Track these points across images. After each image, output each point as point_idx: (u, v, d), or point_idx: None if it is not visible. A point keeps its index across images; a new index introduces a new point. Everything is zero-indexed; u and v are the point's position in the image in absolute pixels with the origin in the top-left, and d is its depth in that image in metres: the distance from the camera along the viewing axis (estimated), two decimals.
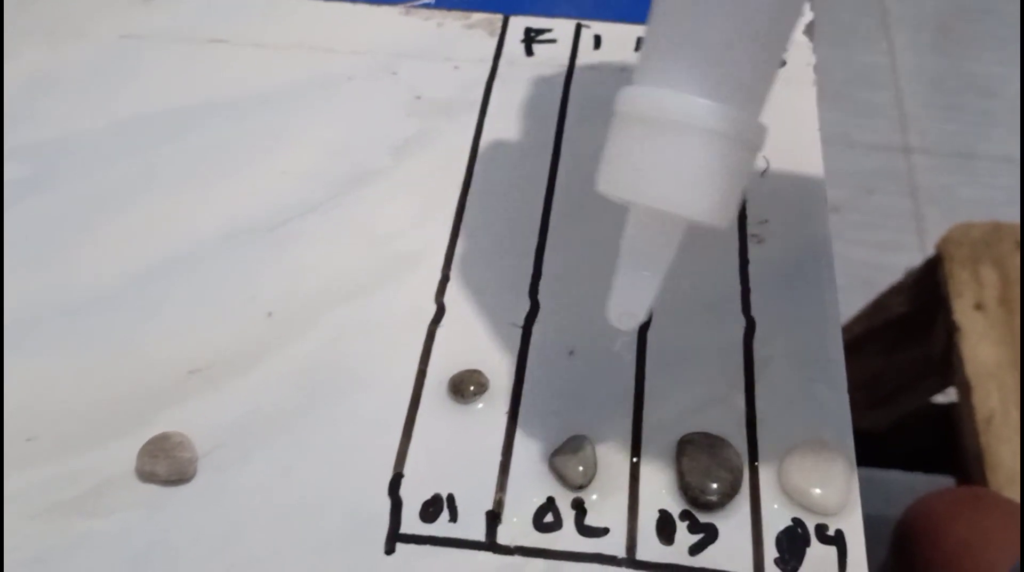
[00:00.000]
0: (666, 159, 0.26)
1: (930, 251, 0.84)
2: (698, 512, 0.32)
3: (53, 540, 0.32)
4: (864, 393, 0.96)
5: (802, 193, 0.41)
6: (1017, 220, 0.83)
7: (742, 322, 0.37)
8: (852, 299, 0.35)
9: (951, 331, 0.77)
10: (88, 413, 0.35)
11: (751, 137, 0.26)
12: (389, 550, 0.31)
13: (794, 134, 0.43)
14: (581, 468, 0.33)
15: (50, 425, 0.35)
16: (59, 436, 0.34)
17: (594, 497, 0.32)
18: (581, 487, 0.33)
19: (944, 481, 0.85)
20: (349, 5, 0.50)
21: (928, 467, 0.92)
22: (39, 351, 0.37)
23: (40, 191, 0.42)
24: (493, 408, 0.35)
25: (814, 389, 0.35)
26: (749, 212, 0.40)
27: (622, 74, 0.46)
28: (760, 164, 0.42)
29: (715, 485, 0.32)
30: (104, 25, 0.49)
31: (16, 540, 0.32)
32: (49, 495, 0.33)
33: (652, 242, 0.28)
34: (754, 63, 0.26)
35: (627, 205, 0.28)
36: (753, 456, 0.33)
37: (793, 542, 0.31)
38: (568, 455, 0.33)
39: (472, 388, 0.35)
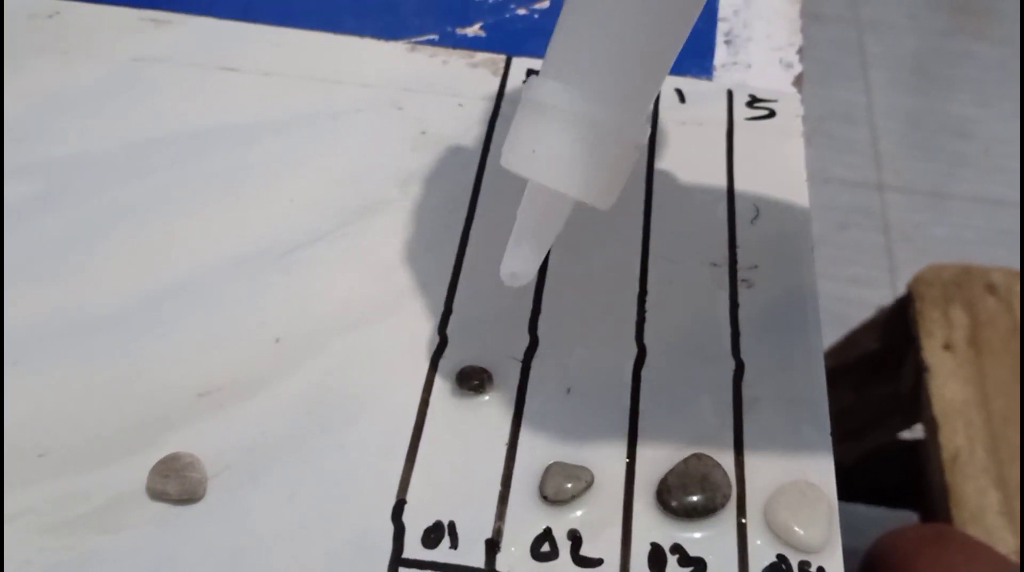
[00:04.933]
0: (554, 143, 0.31)
1: (901, 287, 0.86)
2: (680, 520, 0.34)
3: (63, 556, 0.33)
4: (833, 427, 0.98)
5: (790, 240, 0.43)
6: (988, 262, 0.86)
7: (732, 364, 0.39)
8: (823, 333, 0.36)
9: (920, 369, 0.79)
10: (99, 431, 0.36)
11: (631, 132, 0.31)
12: None
13: (783, 183, 0.45)
14: (569, 484, 0.34)
15: (61, 441, 0.36)
16: (70, 453, 0.35)
17: (588, 528, 0.34)
18: (569, 499, 0.34)
19: (908, 516, 0.88)
20: (357, 39, 0.51)
21: (893, 502, 0.94)
22: (50, 368, 0.38)
23: (51, 209, 0.43)
24: (494, 438, 0.36)
25: (800, 430, 0.37)
26: (740, 257, 0.42)
27: None
28: (750, 212, 0.44)
29: (697, 492, 0.34)
30: (116, 47, 0.50)
31: (26, 555, 0.33)
32: (60, 511, 0.34)
33: (542, 214, 0.33)
34: (634, 73, 0.31)
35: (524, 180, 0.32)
36: (740, 493, 0.35)
37: None
38: (555, 477, 0.35)
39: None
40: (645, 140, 0.32)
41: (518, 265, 0.33)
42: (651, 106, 0.31)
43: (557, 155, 0.31)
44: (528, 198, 0.33)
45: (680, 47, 0.31)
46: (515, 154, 0.32)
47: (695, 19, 0.31)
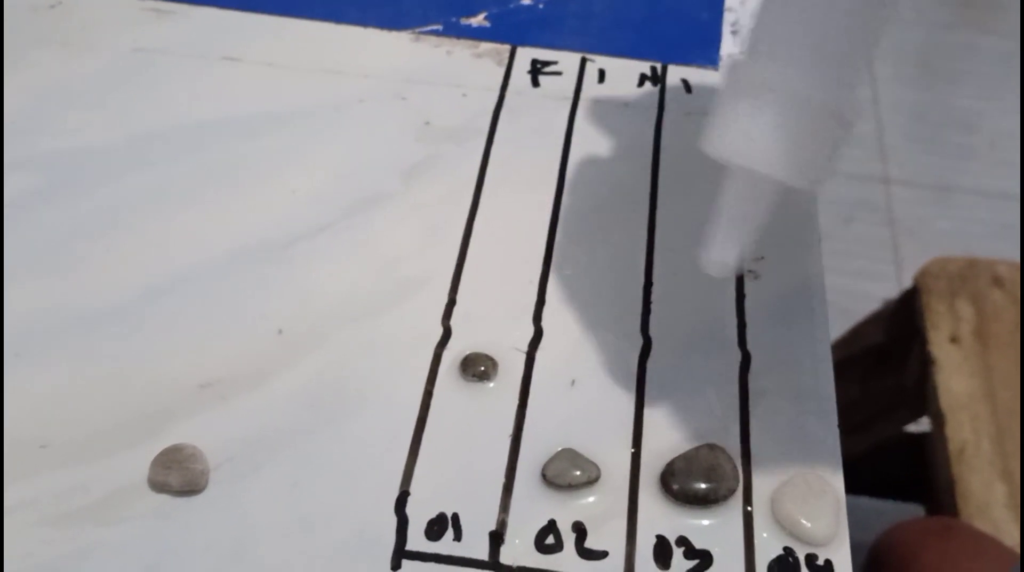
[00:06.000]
0: (773, 129, 0.29)
1: (906, 281, 0.86)
2: (684, 508, 0.34)
3: (64, 547, 0.33)
4: (839, 420, 0.98)
5: (797, 232, 0.43)
6: (992, 255, 0.85)
7: (738, 355, 0.38)
8: (830, 326, 0.37)
9: (926, 362, 0.79)
10: (101, 423, 0.36)
11: (845, 112, 0.30)
12: (395, 566, 0.32)
13: None
14: (576, 472, 0.34)
15: (63, 433, 0.35)
16: (72, 444, 0.35)
17: (593, 520, 0.34)
18: (585, 484, 0.34)
19: (914, 509, 0.87)
20: (360, 29, 0.51)
21: (899, 495, 0.94)
22: (53, 361, 0.37)
23: (52, 202, 0.43)
24: (497, 430, 0.36)
25: (806, 422, 0.36)
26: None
27: (625, 108, 0.47)
28: None
29: (702, 480, 0.34)
30: (118, 38, 0.50)
31: (28, 547, 0.33)
32: (61, 503, 0.34)
33: (750, 202, 0.32)
34: (850, 49, 0.30)
35: (728, 165, 0.32)
36: (747, 485, 0.35)
37: (784, 570, 0.33)
38: (560, 462, 0.35)
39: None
40: (857, 118, 0.30)
41: (725, 254, 0.32)
42: (861, 82, 0.31)
43: (776, 141, 0.30)
44: (733, 185, 0.32)
45: (888, 22, 0.30)
46: (728, 142, 0.31)
47: None
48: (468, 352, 0.38)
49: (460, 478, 0.35)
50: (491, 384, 0.37)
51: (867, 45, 0.30)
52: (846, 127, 0.30)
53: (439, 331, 0.39)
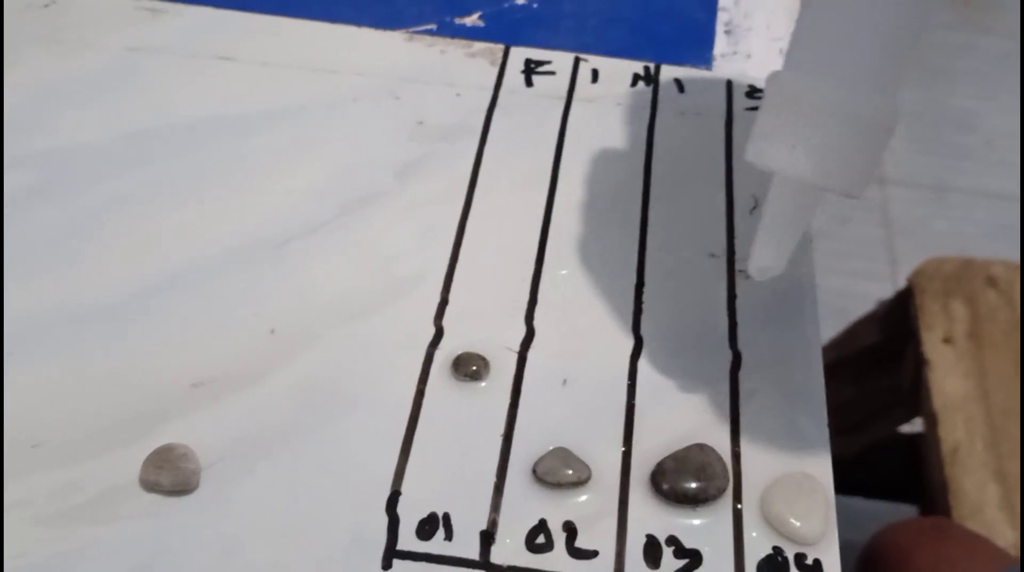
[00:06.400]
0: (814, 138, 0.31)
1: (901, 281, 0.86)
2: (674, 507, 0.34)
3: (57, 547, 0.33)
4: (832, 420, 0.98)
5: None
6: (989, 256, 0.86)
7: (729, 355, 0.38)
8: (823, 326, 0.36)
9: (920, 363, 0.79)
10: (93, 422, 0.36)
11: (885, 119, 0.31)
12: (386, 566, 0.32)
13: None
14: (569, 471, 0.34)
15: (55, 433, 0.35)
16: (64, 444, 0.35)
17: (583, 520, 0.34)
18: (575, 484, 0.34)
19: (908, 510, 0.87)
20: (354, 28, 0.51)
21: (893, 495, 0.94)
22: (45, 359, 0.37)
23: (46, 200, 0.43)
24: (489, 430, 0.36)
25: (796, 422, 0.37)
26: (738, 248, 0.42)
27: (618, 108, 0.48)
28: (749, 203, 0.43)
29: (692, 479, 0.34)
30: (112, 37, 0.50)
31: (20, 546, 0.33)
32: (53, 502, 0.34)
33: (794, 208, 0.33)
34: (887, 57, 0.31)
35: (772, 174, 0.33)
36: (737, 485, 0.35)
37: (774, 570, 0.33)
38: (551, 460, 0.35)
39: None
40: (896, 123, 0.31)
41: (769, 260, 0.34)
42: (900, 86, 0.32)
43: (817, 149, 0.31)
44: (778, 193, 0.33)
45: (926, 28, 0.31)
46: (770, 151, 0.32)
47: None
48: (460, 352, 0.38)
49: (451, 478, 0.35)
50: (483, 383, 0.37)
51: (906, 51, 0.31)
52: (886, 134, 0.31)
53: (431, 330, 0.39)
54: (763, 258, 0.34)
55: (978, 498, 0.70)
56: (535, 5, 0.53)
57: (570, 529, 0.34)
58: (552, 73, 0.49)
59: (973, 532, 0.66)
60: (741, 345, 0.39)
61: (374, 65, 0.49)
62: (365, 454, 0.35)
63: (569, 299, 0.40)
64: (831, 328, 0.93)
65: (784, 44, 0.52)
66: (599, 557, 0.33)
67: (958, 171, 1.51)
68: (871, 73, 0.31)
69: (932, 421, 0.76)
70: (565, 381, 0.37)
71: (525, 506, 0.34)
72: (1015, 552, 0.66)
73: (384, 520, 0.34)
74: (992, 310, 0.81)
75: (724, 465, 0.35)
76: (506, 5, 0.53)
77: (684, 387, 0.37)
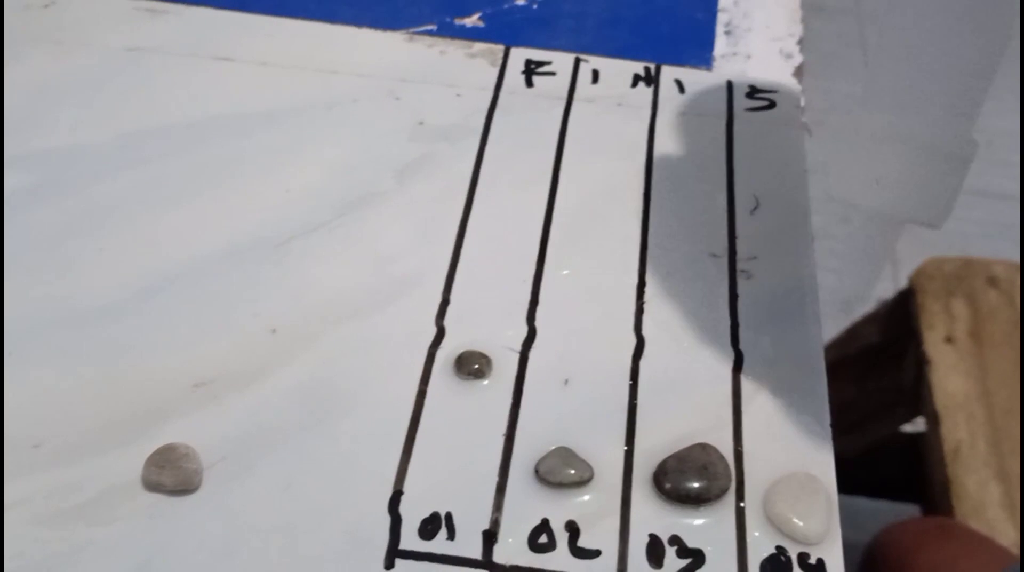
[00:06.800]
0: (893, 173, 0.33)
1: (902, 281, 0.86)
2: (677, 507, 0.34)
3: (56, 546, 0.33)
4: (834, 419, 0.98)
5: (789, 231, 0.43)
6: (990, 255, 0.86)
7: (731, 355, 0.38)
8: (824, 326, 0.36)
9: (921, 362, 0.79)
10: (93, 422, 0.36)
11: (962, 150, 0.32)
12: (388, 565, 0.32)
13: (783, 174, 0.45)
14: (572, 471, 0.34)
15: (56, 433, 0.35)
16: (64, 444, 0.35)
17: (586, 519, 0.34)
18: (577, 484, 0.34)
19: (910, 510, 0.87)
20: (354, 29, 0.51)
21: (895, 495, 0.94)
22: (45, 360, 0.37)
23: (45, 200, 0.43)
24: (491, 429, 0.36)
25: (799, 421, 0.36)
26: (739, 248, 0.42)
27: (619, 108, 0.48)
28: (750, 202, 0.43)
29: (695, 479, 0.34)
30: (111, 37, 0.50)
31: (20, 546, 0.33)
32: (54, 502, 0.34)
33: (875, 240, 0.35)
34: (963, 89, 0.32)
35: (853, 206, 0.35)
36: (740, 484, 0.35)
37: (777, 569, 0.33)
38: (553, 459, 0.35)
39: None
40: (975, 154, 0.33)
41: (855, 291, 0.37)
42: (978, 110, 0.32)
43: (899, 182, 0.33)
44: (860, 225, 0.36)
45: (1000, 58, 0.32)
46: (856, 187, 0.34)
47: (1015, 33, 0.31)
48: (463, 350, 0.38)
49: (454, 477, 0.35)
50: (485, 381, 0.37)
51: (981, 83, 0.32)
52: (964, 164, 0.33)
53: (433, 330, 0.39)
54: (846, 289, 0.37)
55: (980, 497, 0.70)
56: (535, 6, 0.53)
57: (572, 529, 0.33)
58: (552, 74, 0.49)
59: (975, 531, 0.66)
60: (743, 344, 0.39)
61: (374, 66, 0.49)
62: (367, 454, 0.35)
63: (570, 299, 0.40)
64: (832, 328, 0.93)
65: (784, 45, 0.52)
66: (601, 557, 0.33)
67: None
68: (948, 106, 0.32)
69: (934, 420, 0.76)
70: (567, 381, 0.37)
71: (527, 506, 0.34)
72: (1017, 551, 0.66)
73: (386, 520, 0.33)
74: (993, 309, 0.81)
75: (726, 464, 0.35)
76: (506, 6, 0.53)
77: (686, 387, 0.37)
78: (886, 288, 1.27)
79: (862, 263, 0.35)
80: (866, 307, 0.89)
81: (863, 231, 0.35)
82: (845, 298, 0.35)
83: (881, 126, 0.32)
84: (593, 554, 0.33)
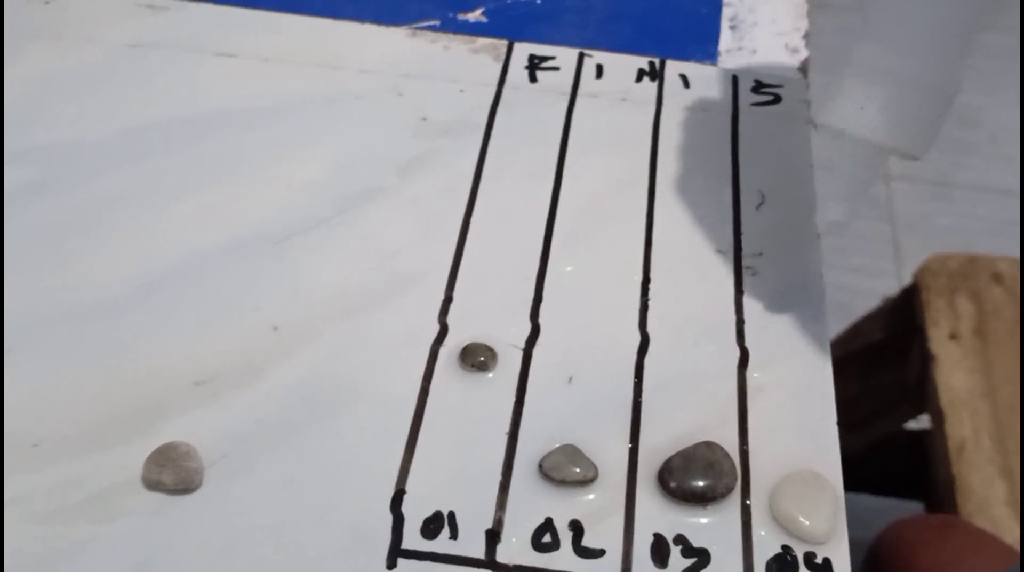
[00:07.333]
0: (881, 104, 0.34)
1: (906, 277, 0.86)
2: (681, 506, 0.34)
3: (57, 544, 0.33)
4: (838, 416, 0.98)
5: (795, 227, 0.42)
6: (993, 251, 0.85)
7: (736, 352, 0.38)
8: (829, 322, 0.36)
9: (926, 359, 0.78)
10: (94, 420, 0.35)
11: (949, 85, 0.34)
12: (391, 565, 0.32)
13: (789, 170, 0.45)
14: (576, 469, 0.34)
15: (56, 430, 0.35)
16: (65, 442, 0.35)
17: (590, 518, 0.33)
18: (581, 482, 0.34)
19: (914, 507, 0.87)
20: (357, 24, 0.50)
21: (899, 492, 0.94)
22: (46, 356, 0.37)
23: (46, 195, 0.42)
24: (494, 427, 0.36)
25: (805, 419, 0.36)
26: (744, 245, 0.41)
27: (623, 103, 0.47)
28: (755, 198, 0.43)
29: (700, 477, 0.34)
30: (112, 32, 0.49)
31: (20, 543, 0.32)
32: (53, 500, 0.33)
33: (861, 168, 0.36)
34: (951, 29, 0.33)
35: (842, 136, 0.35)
36: (745, 483, 0.34)
37: (783, 569, 0.32)
38: (557, 456, 0.34)
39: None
40: (958, 91, 0.34)
41: (839, 215, 0.37)
42: (966, 53, 0.34)
43: (888, 115, 0.34)
44: (846, 154, 0.36)
45: (989, 6, 0.33)
46: (845, 115, 0.35)
47: None
48: (468, 342, 0.38)
49: (456, 476, 0.34)
50: (490, 374, 0.37)
51: (969, 25, 0.33)
52: (948, 99, 0.34)
53: (435, 327, 0.38)
54: (833, 213, 0.37)
55: (984, 494, 0.70)
56: (538, 1, 0.53)
57: (577, 528, 0.33)
58: (556, 69, 0.49)
59: (980, 529, 0.65)
60: (748, 341, 0.38)
61: (377, 61, 0.49)
62: (369, 452, 0.35)
63: (574, 296, 0.40)
64: (836, 325, 0.92)
65: (790, 39, 0.52)
66: (606, 556, 0.33)
67: (962, 167, 1.51)
68: (940, 45, 0.33)
69: (938, 417, 0.75)
70: (571, 378, 0.37)
71: (531, 504, 0.34)
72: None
73: (389, 519, 0.33)
74: (998, 306, 0.81)
75: (732, 463, 0.34)
76: (509, 1, 0.53)
77: (691, 384, 0.37)
78: (890, 285, 1.27)
79: (848, 191, 0.37)
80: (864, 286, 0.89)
81: (847, 159, 0.36)
82: (830, 221, 0.37)
83: (869, 58, 0.34)
84: (597, 553, 0.33)
